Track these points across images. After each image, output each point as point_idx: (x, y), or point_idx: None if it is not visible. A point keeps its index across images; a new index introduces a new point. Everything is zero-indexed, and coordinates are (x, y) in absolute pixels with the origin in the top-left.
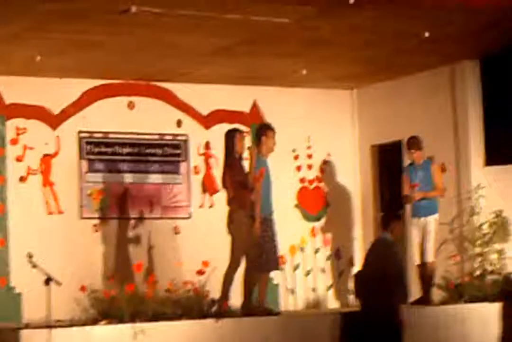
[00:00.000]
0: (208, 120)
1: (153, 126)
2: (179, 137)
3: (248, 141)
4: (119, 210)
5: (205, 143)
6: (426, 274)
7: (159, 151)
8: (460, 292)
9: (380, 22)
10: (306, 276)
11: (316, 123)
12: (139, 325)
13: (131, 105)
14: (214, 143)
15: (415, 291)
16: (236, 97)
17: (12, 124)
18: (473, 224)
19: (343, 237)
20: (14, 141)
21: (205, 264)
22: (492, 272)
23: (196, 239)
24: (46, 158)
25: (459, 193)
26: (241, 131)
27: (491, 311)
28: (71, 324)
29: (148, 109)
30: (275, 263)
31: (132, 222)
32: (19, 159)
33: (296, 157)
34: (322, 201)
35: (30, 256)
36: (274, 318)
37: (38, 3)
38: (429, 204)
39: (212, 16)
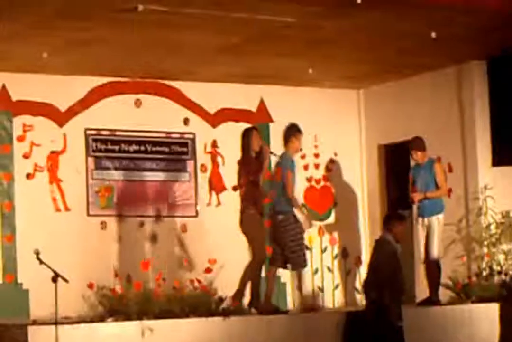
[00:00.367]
0: (215, 119)
1: (160, 124)
2: (186, 136)
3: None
4: (126, 207)
5: (212, 142)
6: (431, 274)
7: (166, 149)
8: (467, 293)
9: (386, 22)
10: (314, 275)
11: (323, 123)
12: (146, 323)
13: (138, 103)
14: (221, 141)
15: (422, 291)
16: (243, 96)
17: (19, 121)
18: (480, 224)
19: (350, 236)
20: (21, 138)
21: (212, 262)
22: (499, 273)
23: (203, 237)
24: (53, 156)
25: (466, 193)
26: (257, 130)
27: (498, 312)
28: (78, 321)
29: (155, 107)
30: (304, 260)
31: (139, 219)
32: (26, 156)
33: (303, 157)
34: (329, 200)
35: (37, 253)
36: (281, 316)
37: (45, 1)
38: (433, 204)
39: (218, 15)
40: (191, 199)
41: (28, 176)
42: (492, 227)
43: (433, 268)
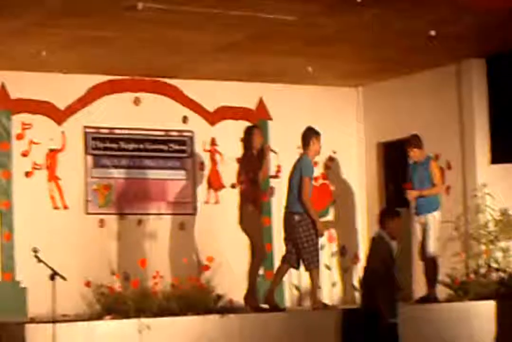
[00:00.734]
0: (214, 117)
1: (159, 122)
2: (184, 134)
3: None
4: (125, 205)
5: (211, 140)
6: (429, 271)
7: (164, 147)
8: (465, 290)
9: (386, 20)
10: None
11: (322, 121)
12: (144, 321)
13: (137, 101)
14: (220, 139)
15: (421, 288)
16: (242, 94)
17: (17, 119)
18: (478, 221)
19: (348, 234)
20: (19, 136)
21: (210, 259)
22: (497, 270)
23: (201, 235)
24: (52, 154)
25: (464, 190)
26: (259, 128)
27: (495, 309)
28: (76, 319)
29: (154, 105)
30: (317, 260)
31: (137, 217)
32: (24, 154)
33: None
34: (328, 198)
35: (35, 251)
36: (279, 314)
37: None
38: (429, 201)
39: (218, 13)
40: (189, 196)
41: (27, 174)
42: (490, 224)
43: (430, 265)
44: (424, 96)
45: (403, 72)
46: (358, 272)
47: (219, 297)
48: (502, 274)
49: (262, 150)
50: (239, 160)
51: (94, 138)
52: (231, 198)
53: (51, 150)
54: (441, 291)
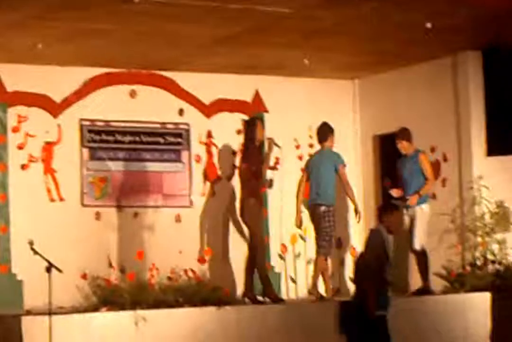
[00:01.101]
0: (210, 109)
1: (155, 114)
2: (181, 126)
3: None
4: (121, 198)
5: (207, 132)
6: (419, 264)
7: (160, 139)
8: (461, 282)
9: (382, 12)
10: (308, 265)
11: (318, 113)
12: (140, 313)
13: (133, 94)
14: (216, 132)
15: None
16: (238, 86)
17: (13, 112)
18: (474, 214)
19: (345, 226)
20: (15, 129)
21: (206, 252)
22: (493, 262)
23: (197, 228)
24: (48, 146)
25: (460, 183)
26: (261, 120)
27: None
28: (72, 311)
29: (150, 98)
30: (329, 250)
31: (133, 210)
32: (20, 147)
33: (297, 147)
34: None
35: (31, 243)
36: (275, 306)
37: None
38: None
39: (215, 6)
40: (185, 189)
41: (23, 167)
42: (487, 216)
43: (420, 258)
44: (420, 89)
45: (399, 65)
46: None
47: (216, 289)
48: (498, 266)
49: (262, 142)
50: (241, 152)
51: (90, 131)
52: (227, 190)
53: (47, 143)
54: (437, 283)
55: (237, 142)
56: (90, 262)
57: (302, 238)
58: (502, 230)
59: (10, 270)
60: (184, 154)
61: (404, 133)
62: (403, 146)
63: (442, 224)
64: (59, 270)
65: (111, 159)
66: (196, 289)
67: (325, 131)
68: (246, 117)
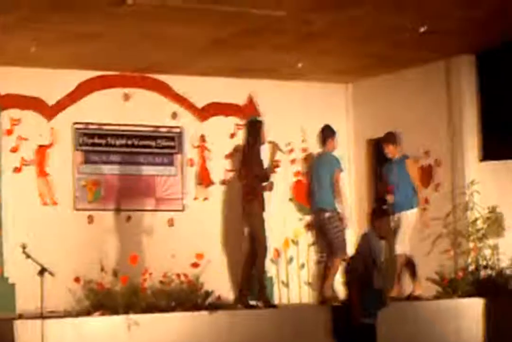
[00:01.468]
0: (203, 113)
1: (148, 118)
2: (174, 130)
3: (241, 134)
4: (113, 201)
5: (200, 136)
6: (398, 268)
7: (153, 143)
8: (454, 287)
9: (376, 15)
10: (300, 269)
11: (311, 117)
12: (133, 317)
13: (126, 97)
14: (209, 135)
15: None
16: (231, 90)
17: (7, 115)
18: (467, 219)
19: None
20: (8, 132)
21: (199, 256)
22: (485, 267)
23: (190, 232)
24: (41, 150)
25: (453, 188)
26: (262, 122)
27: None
28: (65, 315)
29: (143, 101)
30: (343, 252)
31: (126, 213)
32: (13, 150)
33: (291, 151)
34: None
35: (24, 247)
36: (268, 310)
37: None
38: (402, 200)
39: (209, 9)
40: (178, 193)
41: (16, 170)
42: (479, 221)
43: (398, 262)
44: (414, 93)
45: (393, 69)
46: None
47: (208, 293)
48: (490, 272)
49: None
50: (243, 154)
51: (83, 134)
52: (220, 194)
53: (40, 146)
54: (430, 288)
55: (230, 146)
56: (82, 266)
57: (295, 242)
58: (495, 235)
59: (2, 273)
60: (177, 158)
61: (390, 137)
62: (389, 150)
63: (435, 229)
64: (52, 274)
65: (104, 162)
66: (189, 294)
67: (325, 134)
68: (239, 121)
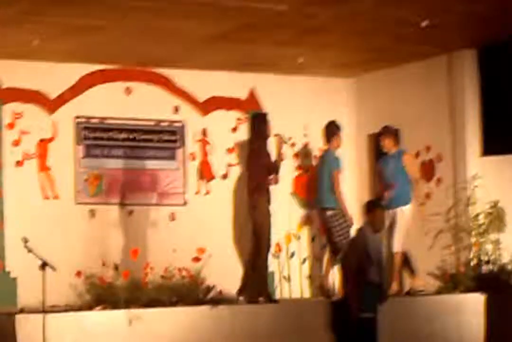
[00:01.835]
0: (205, 107)
1: (150, 112)
2: (175, 124)
3: (245, 128)
4: (115, 195)
5: (202, 130)
6: (394, 264)
7: (155, 137)
8: (455, 282)
9: (378, 9)
10: (302, 264)
11: (313, 111)
12: (134, 311)
13: (128, 91)
14: (211, 130)
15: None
16: (233, 84)
17: (8, 109)
18: (468, 214)
19: None
20: (10, 126)
21: (201, 251)
22: (487, 262)
23: (191, 226)
24: (43, 143)
25: (455, 182)
26: (267, 115)
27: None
28: (66, 309)
29: (145, 95)
30: None
31: (128, 208)
32: (15, 144)
33: (293, 145)
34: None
35: (25, 241)
36: (270, 305)
37: None
38: (398, 195)
39: (211, 3)
40: (180, 187)
41: (17, 164)
42: (481, 216)
43: (395, 258)
44: (415, 87)
45: (395, 63)
46: None
47: (210, 288)
48: (492, 267)
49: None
50: (250, 148)
51: (85, 128)
52: (221, 188)
53: (42, 140)
54: (431, 284)
55: (232, 140)
56: (84, 260)
57: (297, 237)
58: (496, 230)
59: (4, 267)
60: (179, 152)
61: (387, 131)
62: (385, 144)
63: (436, 224)
64: (53, 268)
65: (105, 156)
66: (190, 288)
67: (330, 131)
68: (241, 115)
